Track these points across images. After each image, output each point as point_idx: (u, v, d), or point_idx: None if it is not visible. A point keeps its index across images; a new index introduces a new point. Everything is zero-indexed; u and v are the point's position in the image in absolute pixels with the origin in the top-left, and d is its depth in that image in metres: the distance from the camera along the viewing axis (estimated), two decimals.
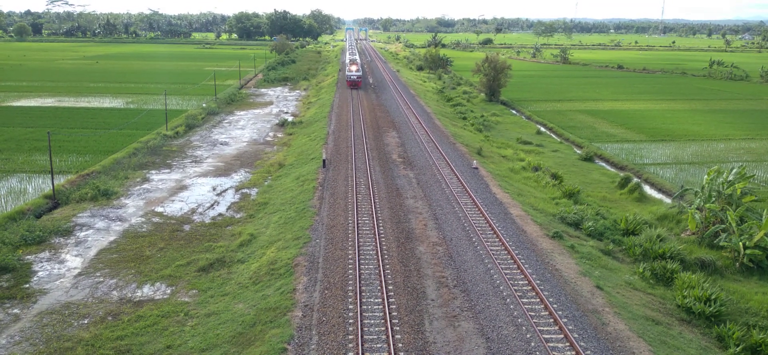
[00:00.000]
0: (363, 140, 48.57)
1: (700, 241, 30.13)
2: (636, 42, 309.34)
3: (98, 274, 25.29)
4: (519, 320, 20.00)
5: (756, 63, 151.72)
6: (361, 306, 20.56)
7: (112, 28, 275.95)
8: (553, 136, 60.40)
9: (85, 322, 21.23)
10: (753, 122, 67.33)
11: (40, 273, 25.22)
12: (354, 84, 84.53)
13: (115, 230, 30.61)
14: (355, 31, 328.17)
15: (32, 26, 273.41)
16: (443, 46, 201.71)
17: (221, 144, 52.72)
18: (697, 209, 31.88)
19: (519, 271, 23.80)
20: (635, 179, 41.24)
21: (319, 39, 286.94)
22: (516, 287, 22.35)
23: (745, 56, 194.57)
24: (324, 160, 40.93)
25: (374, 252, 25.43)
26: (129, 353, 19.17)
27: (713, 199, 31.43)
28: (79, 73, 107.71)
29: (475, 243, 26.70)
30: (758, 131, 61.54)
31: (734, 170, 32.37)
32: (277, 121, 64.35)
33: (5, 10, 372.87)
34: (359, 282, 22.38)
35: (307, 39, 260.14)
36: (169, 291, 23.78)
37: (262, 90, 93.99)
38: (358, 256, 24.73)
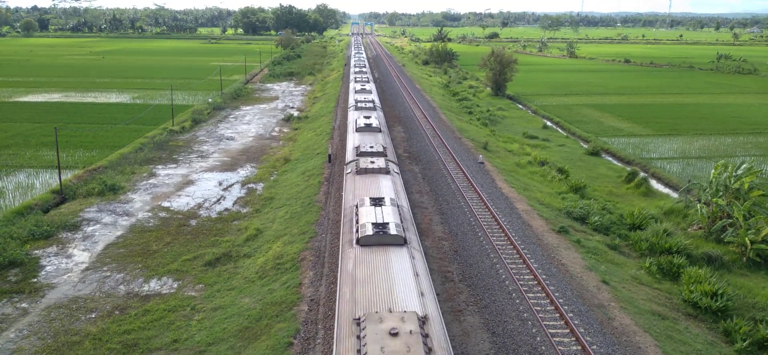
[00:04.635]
0: None
1: (707, 236, 29.99)
2: (643, 36, 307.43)
3: (105, 268, 25.43)
4: (524, 314, 19.98)
5: (765, 56, 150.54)
6: None
7: (118, 24, 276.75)
8: (560, 130, 60.19)
9: (93, 316, 21.37)
10: (761, 117, 66.85)
11: (47, 268, 25.39)
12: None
13: (122, 224, 30.76)
14: (360, 26, 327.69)
15: (39, 22, 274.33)
16: (449, 40, 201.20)
17: (227, 139, 52.82)
18: (704, 203, 31.73)
19: (525, 266, 23.77)
20: (642, 174, 41.06)
21: (325, 34, 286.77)
22: (522, 282, 22.32)
23: (753, 49, 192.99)
24: (329, 155, 40.92)
25: None
26: (136, 347, 19.28)
27: (720, 193, 31.26)
28: (85, 69, 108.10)
29: (481, 238, 26.67)
30: (766, 126, 61.10)
31: (743, 165, 32.18)
32: (283, 116, 64.39)
33: (12, 6, 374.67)
34: None
35: (313, 34, 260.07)
36: (175, 286, 23.89)
37: (268, 85, 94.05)
38: None
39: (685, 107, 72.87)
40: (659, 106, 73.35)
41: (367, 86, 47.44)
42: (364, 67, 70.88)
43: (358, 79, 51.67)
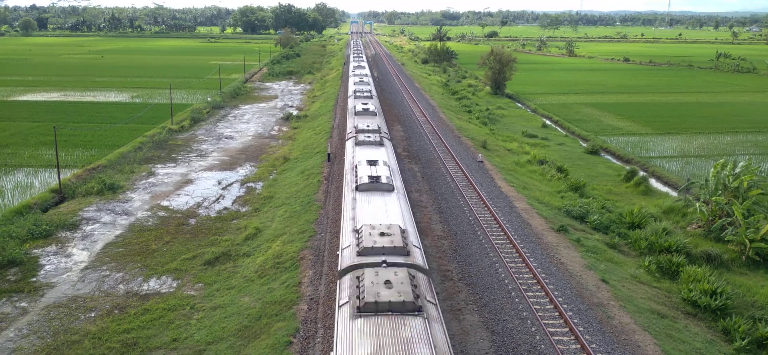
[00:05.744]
0: None
1: (706, 234, 30.01)
2: (642, 34, 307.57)
3: (105, 267, 25.42)
4: (524, 313, 19.99)
5: (764, 55, 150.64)
6: None
7: (117, 23, 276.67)
8: (559, 129, 60.20)
9: (92, 315, 21.36)
10: (760, 115, 66.90)
11: (47, 267, 25.37)
12: None
13: (121, 223, 30.74)
14: (359, 25, 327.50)
15: (37, 21, 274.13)
16: (448, 39, 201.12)
17: (226, 138, 52.80)
18: (704, 202, 31.75)
19: (524, 264, 23.78)
20: (641, 172, 41.09)
21: (324, 32, 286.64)
22: (521, 281, 22.33)
23: (752, 48, 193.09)
24: (329, 154, 40.92)
25: None
26: (135, 347, 19.28)
27: (719, 192, 31.29)
28: (84, 68, 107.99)
29: (480, 237, 26.68)
30: (765, 124, 61.14)
31: (741, 163, 32.22)
32: (282, 115, 64.37)
33: (11, 5, 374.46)
34: None
35: (312, 32, 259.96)
36: (175, 285, 23.88)
37: (267, 84, 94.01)
38: None
39: (685, 106, 72.92)
40: (658, 105, 73.39)
41: (371, 125, 32.58)
42: (368, 84, 53.55)
43: (358, 111, 37.80)
